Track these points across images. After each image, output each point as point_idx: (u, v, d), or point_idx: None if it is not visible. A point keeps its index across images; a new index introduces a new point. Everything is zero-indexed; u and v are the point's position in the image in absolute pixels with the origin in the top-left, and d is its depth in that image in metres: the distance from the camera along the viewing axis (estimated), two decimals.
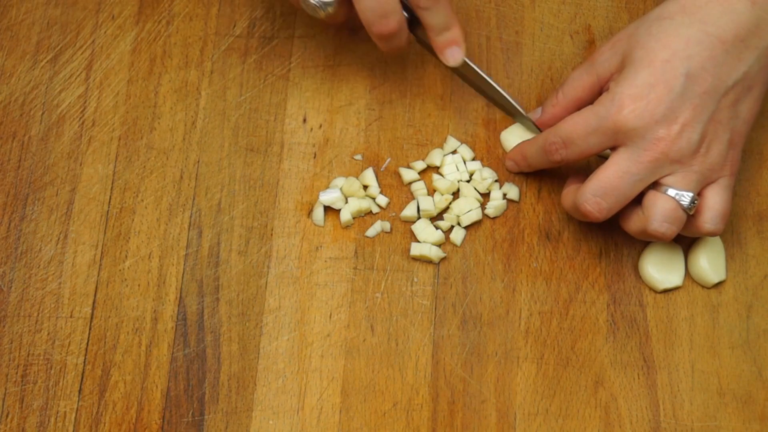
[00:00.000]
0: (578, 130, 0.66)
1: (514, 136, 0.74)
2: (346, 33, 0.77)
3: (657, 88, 0.63)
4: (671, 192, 0.64)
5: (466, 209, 0.72)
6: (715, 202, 0.66)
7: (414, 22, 0.69)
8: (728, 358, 0.69)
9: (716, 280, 0.70)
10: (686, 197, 0.64)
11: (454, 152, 0.74)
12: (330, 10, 0.66)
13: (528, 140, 0.72)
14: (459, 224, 0.72)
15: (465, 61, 0.71)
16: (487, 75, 0.73)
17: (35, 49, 0.77)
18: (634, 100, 0.63)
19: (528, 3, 0.79)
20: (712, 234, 0.67)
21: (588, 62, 0.69)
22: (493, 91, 0.74)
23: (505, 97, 0.73)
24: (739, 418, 0.68)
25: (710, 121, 0.64)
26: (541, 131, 0.72)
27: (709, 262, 0.70)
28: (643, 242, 0.72)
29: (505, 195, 0.73)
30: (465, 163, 0.73)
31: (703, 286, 0.71)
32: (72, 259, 0.71)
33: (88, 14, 0.78)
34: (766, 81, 0.67)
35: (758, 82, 0.66)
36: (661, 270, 0.70)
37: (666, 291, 0.70)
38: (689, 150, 0.64)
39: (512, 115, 0.74)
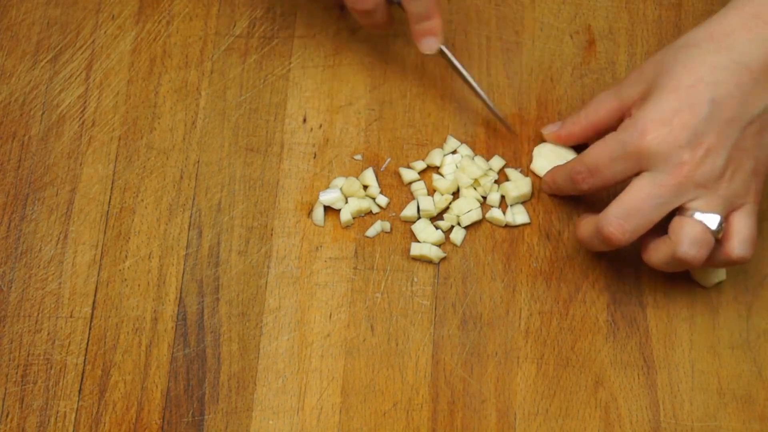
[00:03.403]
0: (603, 158, 0.65)
1: (541, 156, 0.73)
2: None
3: (682, 113, 0.63)
4: (698, 215, 0.64)
5: (466, 209, 0.72)
6: (741, 227, 0.65)
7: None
8: (728, 358, 0.69)
9: (716, 280, 0.70)
10: (713, 220, 0.63)
11: (454, 152, 0.74)
12: None
13: (558, 166, 0.71)
14: (459, 224, 0.72)
15: (442, 51, 0.70)
16: (463, 68, 0.72)
17: (35, 49, 0.77)
18: (657, 126, 0.63)
19: (528, 3, 0.79)
20: (742, 260, 0.65)
21: (614, 87, 0.69)
22: (470, 85, 0.73)
23: (479, 92, 0.72)
24: (739, 418, 0.68)
25: (734, 148, 0.63)
26: (512, 131, 0.74)
27: None
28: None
29: (503, 196, 0.73)
30: None
31: (703, 286, 0.71)
32: (72, 259, 0.71)
33: (88, 14, 0.78)
34: None
35: None
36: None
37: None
38: (713, 175, 0.63)
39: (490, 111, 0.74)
